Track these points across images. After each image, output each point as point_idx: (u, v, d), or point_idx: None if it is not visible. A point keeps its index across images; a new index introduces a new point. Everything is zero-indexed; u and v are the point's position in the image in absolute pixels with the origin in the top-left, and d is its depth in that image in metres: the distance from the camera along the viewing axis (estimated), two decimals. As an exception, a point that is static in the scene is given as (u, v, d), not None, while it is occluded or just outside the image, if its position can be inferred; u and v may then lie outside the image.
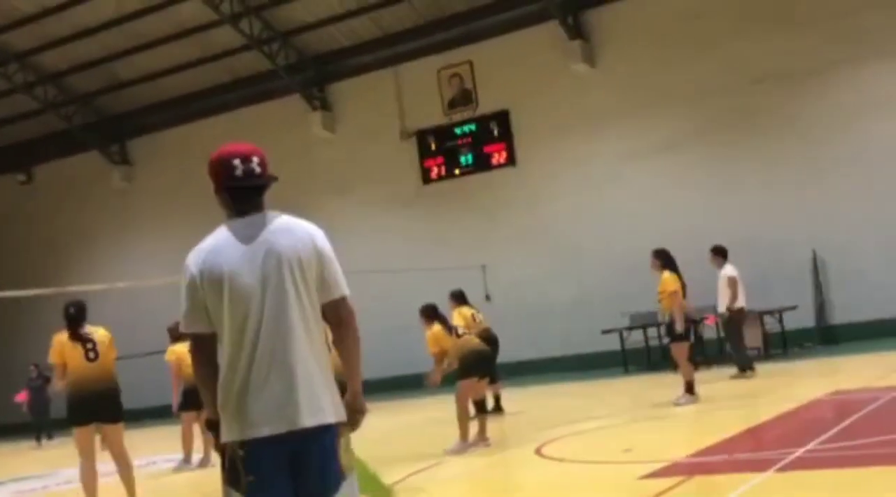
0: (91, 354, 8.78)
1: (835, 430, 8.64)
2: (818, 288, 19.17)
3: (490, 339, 13.02)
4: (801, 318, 18.66)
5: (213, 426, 3.69)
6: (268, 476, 3.50)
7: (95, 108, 27.48)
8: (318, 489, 3.56)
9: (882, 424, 8.74)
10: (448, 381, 11.01)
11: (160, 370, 13.01)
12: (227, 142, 3.97)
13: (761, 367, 14.84)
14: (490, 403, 13.01)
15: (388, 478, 8.36)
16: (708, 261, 15.42)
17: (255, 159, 3.74)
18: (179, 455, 12.44)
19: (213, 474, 4.65)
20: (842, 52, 19.00)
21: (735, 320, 15.04)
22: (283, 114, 24.92)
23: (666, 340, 15.16)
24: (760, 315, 17.63)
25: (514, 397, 15.66)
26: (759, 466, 7.24)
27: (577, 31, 21.41)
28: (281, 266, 3.62)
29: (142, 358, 18.40)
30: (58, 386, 8.87)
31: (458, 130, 23.15)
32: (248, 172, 3.71)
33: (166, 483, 11.53)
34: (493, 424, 11.72)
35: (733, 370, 15.01)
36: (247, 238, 3.65)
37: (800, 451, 7.61)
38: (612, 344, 19.59)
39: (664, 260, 12.88)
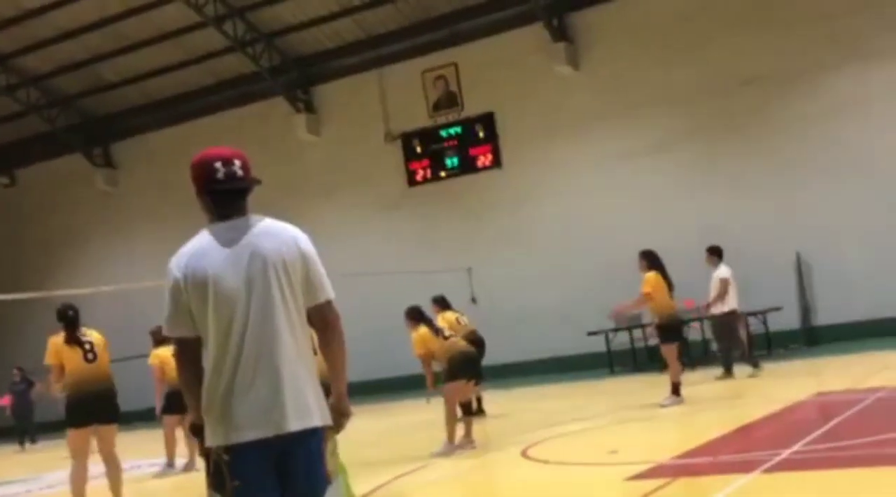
0: (90, 356, 8.88)
1: (820, 431, 8.67)
2: (802, 289, 19.24)
3: (476, 341, 13.05)
4: (786, 319, 18.71)
5: (197, 431, 3.66)
6: (254, 480, 3.48)
7: (79, 111, 27.36)
8: (304, 493, 3.55)
9: (866, 425, 8.76)
10: (440, 383, 11.00)
11: (143, 374, 12.94)
12: (211, 145, 3.95)
13: (746, 369, 14.87)
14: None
15: (374, 481, 8.35)
16: (693, 261, 15.45)
17: (237, 162, 3.72)
18: (163, 459, 12.38)
19: (198, 478, 4.61)
20: (826, 54, 19.07)
21: (725, 322, 15.05)
22: (267, 116, 24.85)
23: (652, 342, 15.19)
24: (745, 316, 17.66)
25: (499, 400, 15.66)
26: (745, 468, 7.26)
27: (561, 34, 21.42)
28: (266, 269, 3.60)
29: (125, 361, 18.31)
30: (54, 389, 8.89)
31: (443, 133, 23.13)
32: (230, 175, 3.69)
33: (150, 487, 11.47)
34: (478, 426, 11.71)
35: (719, 371, 15.04)
36: (230, 241, 3.63)
37: (785, 453, 7.62)
38: (597, 345, 19.63)
39: (650, 261, 12.93)
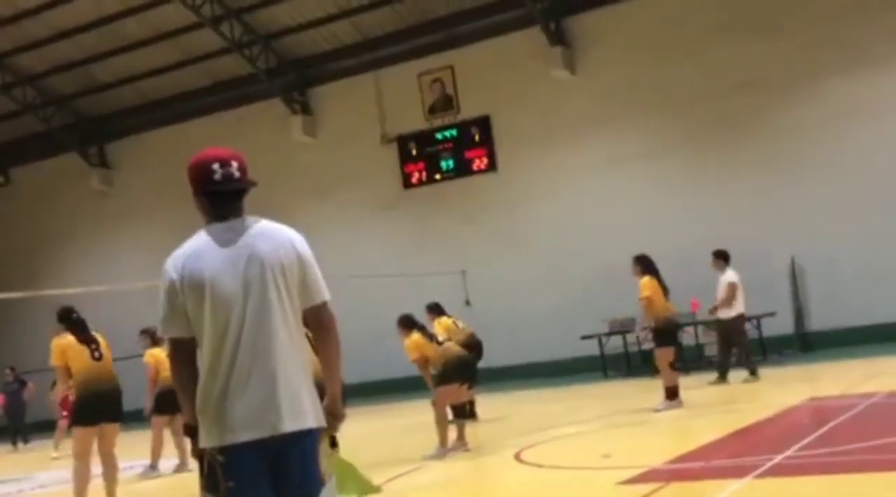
0: (97, 354, 9.02)
1: (813, 436, 8.68)
2: (796, 295, 19.27)
3: (475, 343, 13.07)
4: (780, 324, 18.73)
5: (191, 432, 3.66)
6: (248, 481, 3.48)
7: (74, 110, 27.32)
8: (298, 494, 3.55)
9: (860, 431, 8.78)
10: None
11: (130, 375, 12.86)
12: (207, 146, 3.95)
13: (739, 374, 14.88)
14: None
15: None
16: (688, 265, 15.46)
17: (235, 164, 3.72)
18: (147, 461, 12.25)
19: (190, 479, 4.62)
20: (821, 59, 19.12)
21: (734, 327, 15.06)
22: (263, 117, 24.85)
23: (646, 346, 15.17)
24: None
25: (493, 403, 15.65)
26: (737, 473, 7.26)
27: (558, 38, 21.44)
28: (264, 271, 3.60)
29: (122, 361, 18.24)
30: (60, 390, 8.97)
31: (439, 135, 23.15)
32: (228, 177, 3.69)
33: (140, 489, 11.42)
34: (471, 430, 11.72)
35: (712, 376, 15.05)
36: (227, 242, 3.63)
37: (778, 458, 7.63)
38: (591, 349, 19.62)
39: (644, 265, 12.95)
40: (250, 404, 3.50)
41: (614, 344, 19.61)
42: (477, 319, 17.55)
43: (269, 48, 24.09)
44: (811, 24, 19.23)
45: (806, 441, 8.37)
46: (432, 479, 9.36)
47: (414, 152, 23.40)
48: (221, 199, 3.70)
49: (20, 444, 21.64)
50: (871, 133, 18.73)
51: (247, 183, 3.76)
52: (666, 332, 12.87)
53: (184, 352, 3.67)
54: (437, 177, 23.16)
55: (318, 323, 3.78)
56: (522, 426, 12.63)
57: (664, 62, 20.47)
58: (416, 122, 23.37)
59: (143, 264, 21.31)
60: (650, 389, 13.91)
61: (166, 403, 11.76)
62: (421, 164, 23.34)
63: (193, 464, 3.88)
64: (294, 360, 3.61)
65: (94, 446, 9.16)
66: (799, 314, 19.29)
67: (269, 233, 3.71)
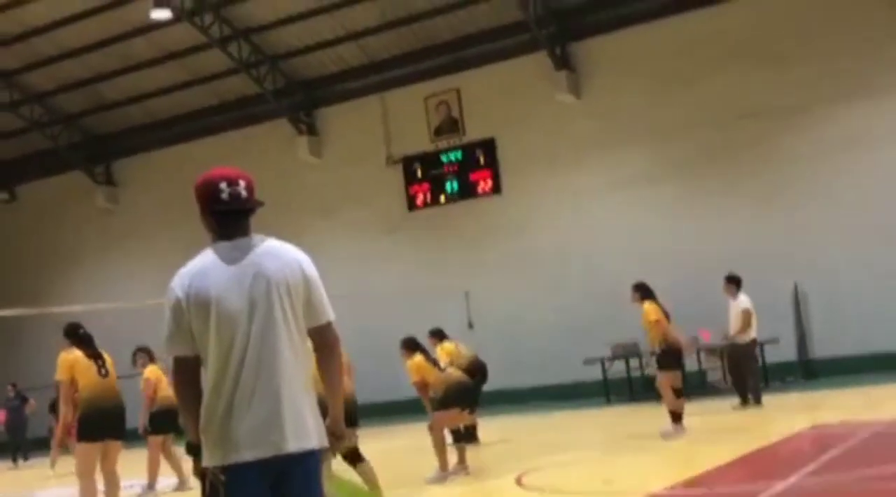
0: (103, 371, 9.04)
1: (815, 463, 8.65)
2: (800, 322, 19.23)
3: (478, 367, 13.01)
4: (783, 351, 18.69)
5: (193, 450, 3.66)
6: (250, 501, 3.47)
7: (81, 129, 27.42)
8: (299, 514, 3.54)
9: (862, 459, 8.75)
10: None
11: (127, 394, 12.79)
12: (214, 165, 3.97)
13: (732, 400, 14.85)
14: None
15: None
16: (692, 291, 15.45)
17: (242, 183, 3.74)
18: (144, 480, 12.18)
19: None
20: (823, 89, 19.15)
21: (746, 352, 15.03)
22: (269, 138, 24.92)
23: (649, 371, 15.14)
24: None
25: (494, 426, 15.60)
26: (740, 499, 7.23)
27: (563, 62, 21.53)
28: (270, 291, 3.61)
29: (126, 379, 18.23)
30: (64, 405, 8.90)
31: (444, 158, 23.20)
32: (235, 196, 3.71)
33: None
34: (472, 453, 11.68)
35: (720, 402, 15.00)
36: (233, 261, 3.64)
37: (780, 486, 7.60)
38: (594, 374, 19.55)
39: (643, 292, 12.94)
40: (254, 423, 3.50)
41: (617, 368, 19.55)
42: (479, 341, 17.52)
43: (276, 69, 24.20)
44: (811, 56, 19.30)
45: (808, 469, 8.34)
46: (433, 502, 9.32)
47: (419, 174, 23.44)
48: (228, 218, 3.72)
49: (20, 461, 21.61)
50: (871, 163, 18.76)
51: (254, 203, 3.77)
52: (670, 355, 12.84)
53: (188, 370, 3.67)
54: (442, 199, 23.16)
55: (322, 343, 3.78)
56: (524, 450, 12.60)
57: (667, 89, 20.53)
58: (421, 144, 23.42)
59: (149, 282, 21.29)
60: (653, 415, 13.86)
61: (161, 423, 11.75)
62: (426, 186, 23.37)
63: (193, 482, 3.87)
64: (298, 379, 3.62)
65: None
66: (802, 341, 19.25)
67: (275, 252, 3.72)
